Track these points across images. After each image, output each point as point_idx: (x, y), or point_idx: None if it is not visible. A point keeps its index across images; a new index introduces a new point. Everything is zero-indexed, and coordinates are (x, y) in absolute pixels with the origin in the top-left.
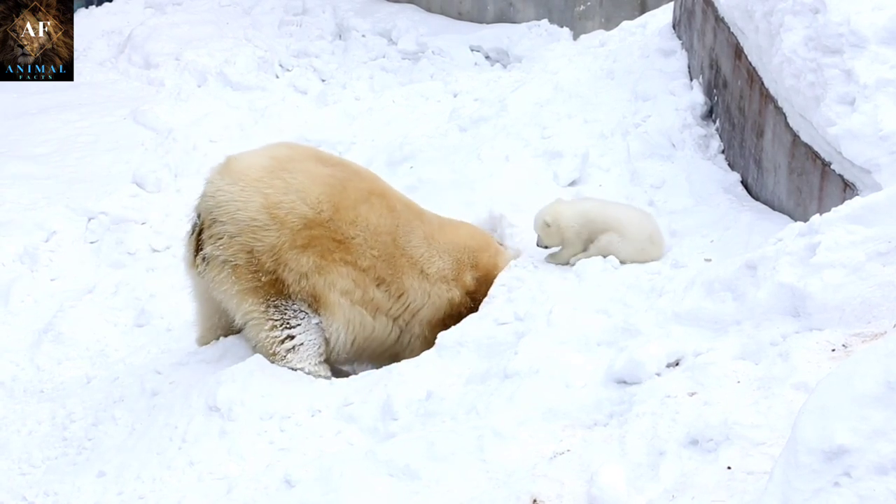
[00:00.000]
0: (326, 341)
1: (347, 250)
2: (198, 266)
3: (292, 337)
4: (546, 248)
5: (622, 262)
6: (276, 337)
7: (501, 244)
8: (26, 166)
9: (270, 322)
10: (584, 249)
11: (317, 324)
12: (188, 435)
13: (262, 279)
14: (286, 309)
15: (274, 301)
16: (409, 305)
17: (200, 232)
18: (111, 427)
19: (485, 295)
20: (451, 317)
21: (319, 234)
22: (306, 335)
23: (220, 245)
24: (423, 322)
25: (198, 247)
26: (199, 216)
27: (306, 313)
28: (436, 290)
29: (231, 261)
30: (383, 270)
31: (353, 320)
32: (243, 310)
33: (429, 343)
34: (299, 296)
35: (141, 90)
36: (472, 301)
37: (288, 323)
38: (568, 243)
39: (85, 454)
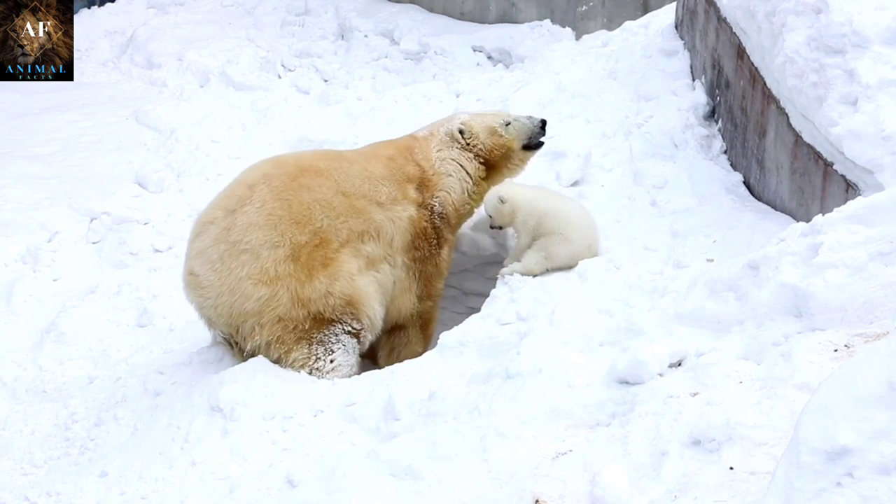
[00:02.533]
0: (360, 340)
1: (328, 241)
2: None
3: (333, 360)
4: (500, 228)
5: (556, 263)
6: (321, 367)
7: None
8: (29, 166)
9: (314, 357)
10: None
11: (348, 332)
12: (190, 435)
13: (305, 326)
14: (328, 338)
15: (318, 337)
16: (384, 238)
17: (234, 340)
18: (113, 427)
19: (432, 197)
20: (418, 236)
21: (306, 256)
22: (343, 353)
23: (256, 336)
24: (399, 250)
25: (241, 347)
26: (221, 332)
27: (343, 329)
28: (395, 214)
29: (274, 338)
30: (356, 224)
31: (374, 286)
32: (291, 360)
33: (409, 270)
34: (336, 312)
35: (143, 90)
36: (428, 212)
37: (330, 349)
38: (519, 230)
39: (87, 454)
